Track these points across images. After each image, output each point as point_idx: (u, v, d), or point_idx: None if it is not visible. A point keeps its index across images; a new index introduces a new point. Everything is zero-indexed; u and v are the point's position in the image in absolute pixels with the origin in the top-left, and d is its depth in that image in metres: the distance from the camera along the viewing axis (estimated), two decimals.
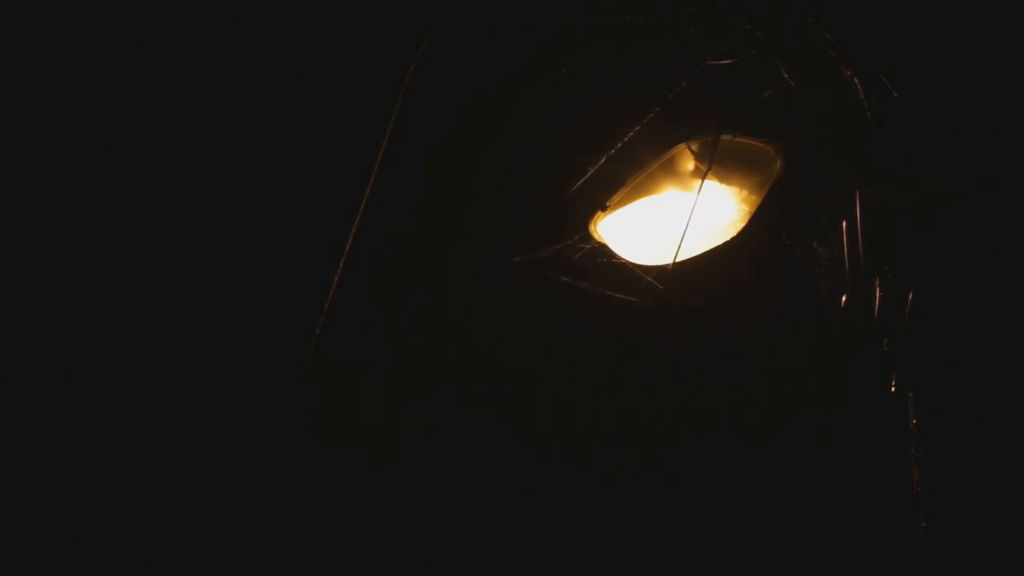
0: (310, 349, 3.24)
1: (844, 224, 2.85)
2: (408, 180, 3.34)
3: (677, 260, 2.83)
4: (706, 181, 2.80)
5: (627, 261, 2.98)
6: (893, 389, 2.73)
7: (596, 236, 2.94)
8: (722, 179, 2.86)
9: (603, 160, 2.81)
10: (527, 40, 3.06)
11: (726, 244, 2.96)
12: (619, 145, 2.80)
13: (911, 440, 2.73)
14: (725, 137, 2.79)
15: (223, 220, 3.61)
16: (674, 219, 2.84)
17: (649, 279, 2.96)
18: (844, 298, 2.82)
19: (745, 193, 2.89)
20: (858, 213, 2.82)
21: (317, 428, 3.71)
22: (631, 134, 2.79)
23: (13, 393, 3.56)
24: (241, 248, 3.63)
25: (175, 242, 3.62)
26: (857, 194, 2.83)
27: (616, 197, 2.84)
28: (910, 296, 2.75)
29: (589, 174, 2.83)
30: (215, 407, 3.63)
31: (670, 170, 2.84)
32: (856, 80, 2.85)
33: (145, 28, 3.46)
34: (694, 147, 2.81)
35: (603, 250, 3.00)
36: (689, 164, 2.83)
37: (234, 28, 3.44)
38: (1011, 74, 3.04)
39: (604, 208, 2.85)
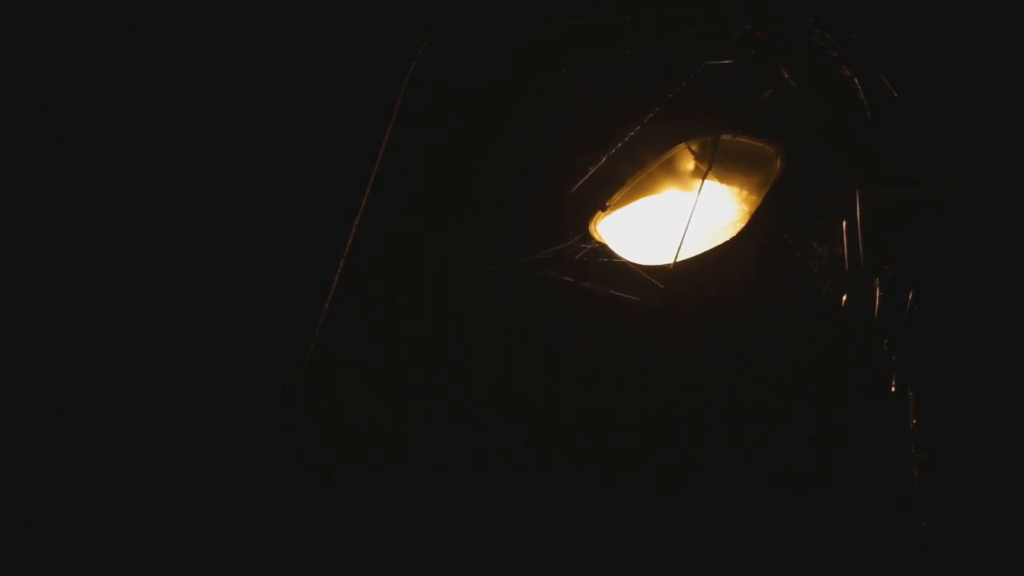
0: (310, 349, 3.24)
1: (844, 224, 2.85)
2: (408, 180, 3.34)
3: (678, 260, 2.83)
4: (706, 181, 2.80)
5: (627, 261, 2.98)
6: (893, 389, 2.73)
7: (596, 236, 2.94)
8: (722, 179, 2.86)
9: (603, 160, 2.80)
10: (527, 40, 3.06)
11: (726, 244, 2.96)
12: (619, 145, 2.79)
13: (911, 440, 2.73)
14: (725, 137, 2.79)
15: (222, 221, 3.61)
16: (674, 219, 2.85)
17: (650, 279, 2.96)
18: (844, 298, 2.82)
19: (745, 193, 2.89)
20: (858, 213, 2.82)
21: (315, 429, 3.71)
22: (631, 134, 2.79)
23: (11, 393, 3.55)
24: (240, 249, 3.63)
25: (175, 242, 3.62)
26: (857, 194, 2.83)
27: (616, 197, 2.83)
28: (910, 296, 2.75)
29: (589, 174, 2.82)
30: (213, 408, 3.63)
31: (670, 170, 2.83)
32: (856, 80, 2.85)
33: (144, 28, 3.46)
34: (694, 147, 2.81)
35: (603, 250, 3.00)
36: (689, 164, 2.83)
37: (233, 28, 3.44)
38: (1011, 74, 3.04)
39: (604, 208, 2.85)
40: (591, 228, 2.92)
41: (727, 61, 2.82)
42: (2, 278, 3.55)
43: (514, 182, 3.25)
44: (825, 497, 3.56)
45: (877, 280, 2.78)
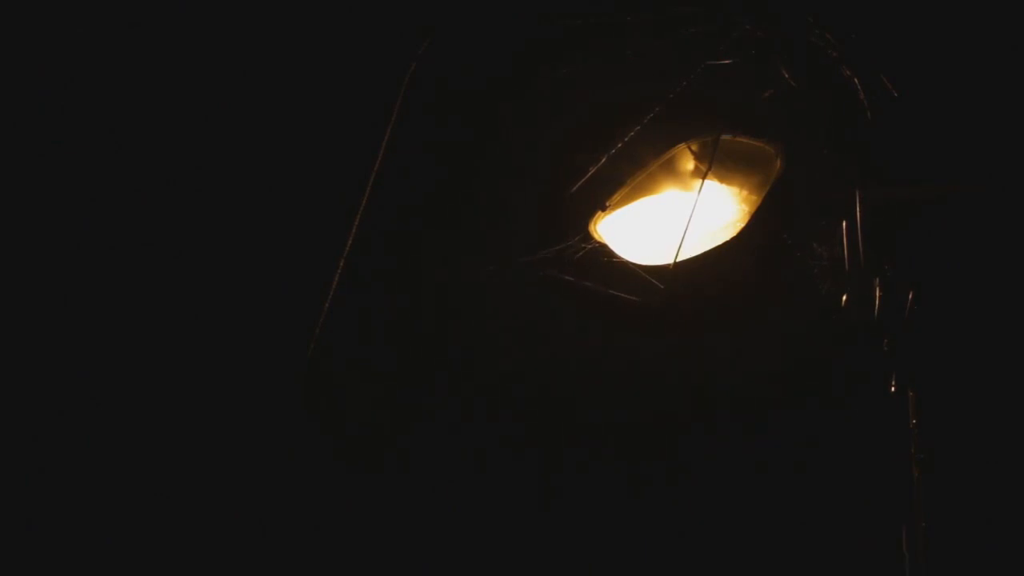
0: (310, 349, 3.24)
1: (844, 224, 2.85)
2: (408, 180, 3.34)
3: (678, 260, 2.83)
4: (706, 181, 2.80)
5: (627, 261, 2.98)
6: (893, 389, 2.73)
7: (596, 236, 2.94)
8: (722, 179, 2.86)
9: (603, 160, 2.80)
10: (527, 41, 3.05)
11: (726, 244, 2.96)
12: (619, 145, 2.79)
13: (911, 440, 2.73)
14: (725, 137, 2.79)
15: (222, 221, 3.61)
16: (674, 219, 2.84)
17: (650, 279, 2.96)
18: (844, 298, 2.82)
19: (745, 193, 2.89)
20: (858, 213, 2.82)
21: (315, 429, 3.71)
22: (631, 134, 2.79)
23: (11, 393, 3.56)
24: (240, 249, 3.63)
25: (175, 242, 3.62)
26: (857, 194, 2.83)
27: (616, 197, 2.83)
28: (910, 296, 2.75)
29: (589, 174, 2.82)
30: (213, 408, 3.63)
31: (670, 170, 2.83)
32: (856, 80, 2.85)
33: (144, 28, 3.46)
34: (694, 147, 2.81)
35: (603, 250, 3.00)
36: (689, 164, 2.83)
37: (233, 28, 3.44)
38: (1011, 74, 3.04)
39: (604, 208, 2.85)
40: (591, 228, 2.92)
41: (727, 61, 2.82)
42: (2, 278, 3.55)
43: (514, 182, 3.25)
44: (825, 497, 3.56)
45: (877, 280, 2.78)
